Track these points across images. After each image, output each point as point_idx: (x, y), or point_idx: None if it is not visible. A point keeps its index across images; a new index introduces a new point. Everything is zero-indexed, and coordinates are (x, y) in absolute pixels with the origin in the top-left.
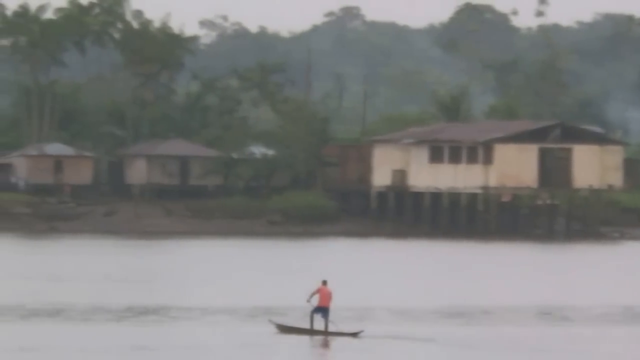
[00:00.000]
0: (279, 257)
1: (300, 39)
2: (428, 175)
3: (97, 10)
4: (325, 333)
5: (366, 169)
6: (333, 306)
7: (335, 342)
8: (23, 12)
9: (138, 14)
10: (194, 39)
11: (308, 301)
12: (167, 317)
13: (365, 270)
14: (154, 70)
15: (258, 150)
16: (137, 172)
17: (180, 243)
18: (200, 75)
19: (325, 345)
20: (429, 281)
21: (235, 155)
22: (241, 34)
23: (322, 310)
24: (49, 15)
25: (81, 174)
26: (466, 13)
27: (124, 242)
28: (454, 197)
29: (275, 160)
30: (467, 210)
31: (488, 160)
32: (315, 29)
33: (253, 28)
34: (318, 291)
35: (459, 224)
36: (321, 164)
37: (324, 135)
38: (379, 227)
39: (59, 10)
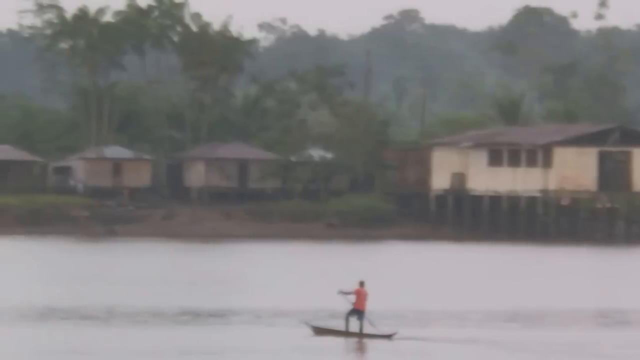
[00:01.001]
0: (337, 260)
1: (359, 42)
2: (487, 179)
3: (156, 13)
4: (360, 335)
5: (425, 172)
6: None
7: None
8: (82, 15)
9: (197, 16)
10: (253, 42)
11: (339, 293)
12: (224, 320)
13: (422, 274)
14: (212, 73)
15: (316, 153)
16: (196, 175)
17: (239, 246)
18: (259, 78)
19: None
20: (486, 284)
21: (293, 158)
22: (300, 37)
23: (358, 312)
24: (108, 18)
25: (140, 177)
26: (525, 16)
27: (182, 245)
28: (513, 200)
29: (334, 163)
30: (526, 213)
31: (547, 163)
32: (374, 32)
33: (312, 31)
34: (355, 292)
35: (517, 227)
36: (380, 167)
37: (383, 138)
38: (437, 231)
39: (118, 13)
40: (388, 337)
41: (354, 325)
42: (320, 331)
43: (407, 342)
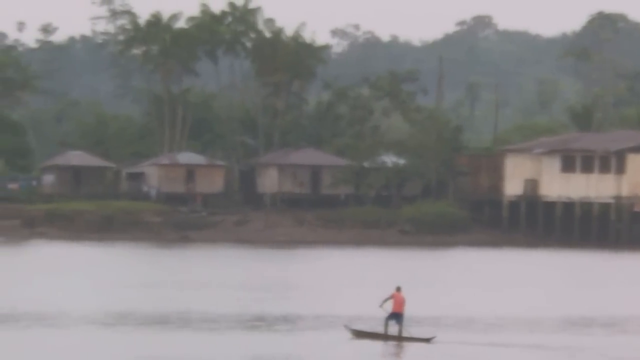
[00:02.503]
0: (410, 266)
1: (432, 48)
2: (560, 185)
3: (229, 19)
4: (399, 338)
5: (498, 179)
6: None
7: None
8: (155, 21)
9: (270, 22)
10: (326, 47)
11: (381, 306)
12: (295, 326)
13: (495, 280)
14: (285, 79)
15: (389, 159)
16: (269, 181)
17: (311, 252)
18: (332, 84)
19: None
20: (559, 291)
21: (366, 165)
22: (373, 43)
23: (396, 316)
24: (181, 24)
25: (213, 183)
26: (599, 22)
27: (255, 251)
28: (586, 206)
29: (407, 169)
30: (599, 220)
31: (620, 169)
32: (447, 37)
33: (385, 37)
34: (392, 297)
35: (591, 233)
36: (453, 173)
37: (456, 144)
38: (510, 237)
39: (191, 19)
40: (426, 340)
41: (392, 328)
42: (359, 334)
43: (447, 345)
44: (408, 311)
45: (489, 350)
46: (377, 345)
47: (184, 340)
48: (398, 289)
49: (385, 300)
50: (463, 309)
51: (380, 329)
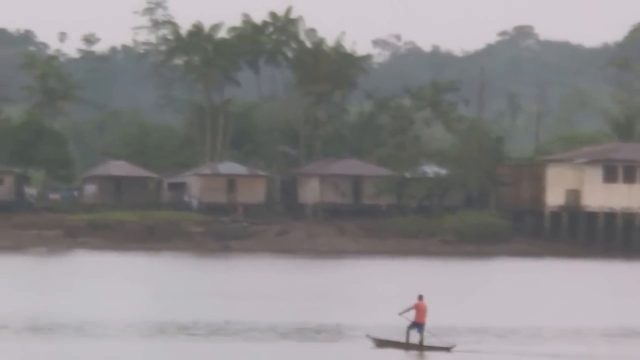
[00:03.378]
0: (452, 276)
1: (474, 58)
2: (602, 195)
3: (270, 29)
4: (420, 347)
5: (539, 189)
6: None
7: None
8: (197, 31)
9: (311, 32)
10: (367, 57)
11: (401, 314)
12: (336, 336)
13: (536, 290)
14: (326, 89)
15: (431, 169)
16: (310, 192)
17: (353, 262)
18: (373, 94)
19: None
20: (600, 301)
21: (408, 175)
22: (414, 53)
23: (418, 325)
24: (222, 34)
25: (254, 193)
26: None
27: (296, 261)
28: (628, 217)
29: (448, 180)
30: None
31: None
32: (489, 47)
33: (426, 47)
34: (414, 307)
35: (633, 244)
36: (494, 183)
37: (497, 155)
38: (552, 247)
39: (232, 29)
40: (447, 349)
41: (414, 337)
42: (381, 343)
43: (466, 355)
44: (450, 321)
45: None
46: (399, 354)
47: (225, 351)
48: (420, 298)
49: (408, 309)
50: (503, 319)
51: (405, 338)
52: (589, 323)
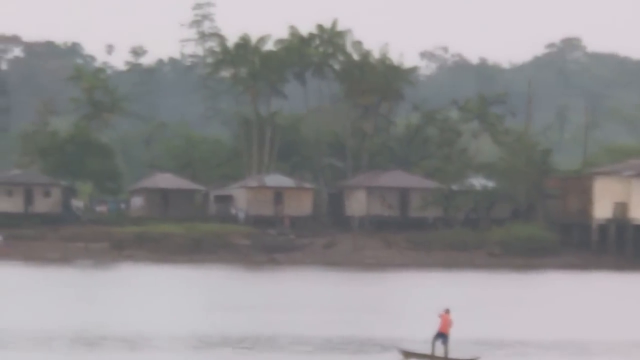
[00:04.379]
0: (499, 289)
1: (521, 70)
2: None
3: (317, 41)
4: (445, 359)
5: (587, 201)
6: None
7: None
8: (244, 44)
9: (357, 44)
10: (414, 70)
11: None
12: (386, 349)
13: (584, 303)
14: (373, 102)
15: (478, 181)
16: (357, 204)
17: (400, 275)
18: (421, 106)
19: None
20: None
21: (455, 187)
22: (461, 65)
23: (443, 336)
24: (269, 46)
25: (301, 206)
26: None
27: (343, 273)
28: None
29: (496, 192)
30: None
31: None
32: (536, 60)
33: (473, 59)
34: (440, 318)
35: None
36: (542, 196)
37: (545, 167)
38: (599, 260)
39: (279, 41)
40: None
41: (439, 348)
42: (408, 355)
43: None
44: (496, 333)
45: None
46: None
47: None
48: (447, 311)
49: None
50: (549, 332)
51: (431, 350)
52: (637, 337)
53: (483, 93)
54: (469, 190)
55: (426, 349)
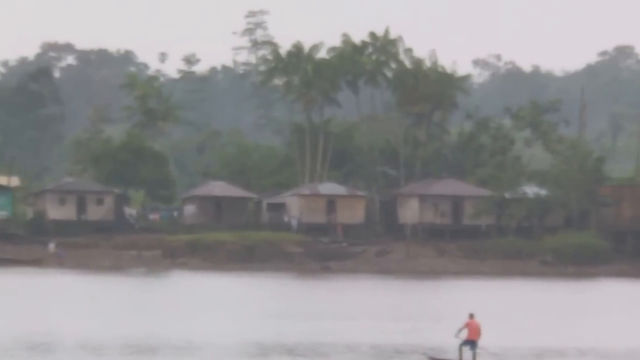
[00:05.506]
0: (551, 297)
1: (574, 78)
2: None
3: (370, 49)
4: None
5: None
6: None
7: None
8: (297, 52)
9: (409, 52)
10: (467, 78)
11: (456, 336)
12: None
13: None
14: (426, 110)
15: (531, 189)
16: (410, 212)
17: (453, 283)
18: (473, 114)
19: None
20: None
21: (508, 195)
22: (514, 73)
23: (471, 342)
24: (322, 54)
25: (354, 214)
26: None
27: (396, 282)
28: None
29: (549, 200)
30: None
31: None
32: (589, 68)
33: (526, 67)
34: (466, 325)
35: None
36: (595, 204)
37: (598, 175)
38: None
39: (332, 49)
40: None
41: (467, 355)
42: None
43: None
44: (552, 342)
45: None
46: None
47: None
48: (471, 316)
49: (460, 329)
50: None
51: (459, 356)
52: None
53: (536, 101)
54: (522, 198)
55: (455, 356)
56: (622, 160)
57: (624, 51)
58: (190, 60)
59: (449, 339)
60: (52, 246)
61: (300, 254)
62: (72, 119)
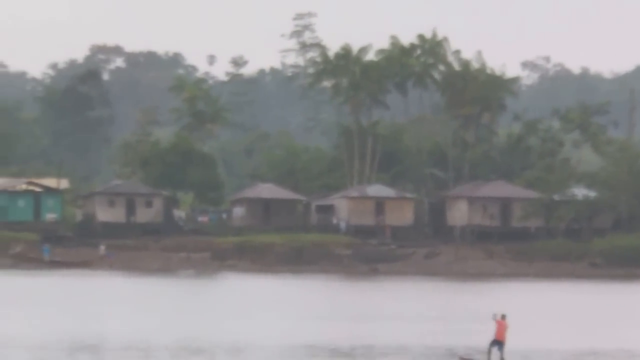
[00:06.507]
0: (599, 299)
1: (623, 80)
2: None
3: (418, 51)
4: None
5: None
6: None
7: None
8: (345, 54)
9: (458, 54)
10: (516, 80)
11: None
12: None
13: None
14: (475, 112)
15: (580, 191)
16: (459, 214)
17: (502, 285)
18: (522, 116)
19: None
20: None
21: (556, 197)
22: (563, 75)
23: (499, 343)
24: (370, 56)
25: (402, 216)
26: None
27: (445, 284)
28: None
29: (597, 202)
30: None
31: None
32: (638, 69)
33: (575, 69)
34: (496, 324)
35: None
36: None
37: None
38: None
39: (380, 51)
40: None
41: (495, 355)
42: None
43: None
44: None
45: None
46: None
47: None
48: (503, 317)
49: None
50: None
51: (487, 357)
52: None
53: (585, 103)
54: (570, 200)
55: (484, 356)
56: None
57: None
58: (238, 62)
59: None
60: (102, 248)
61: (349, 256)
62: (121, 122)
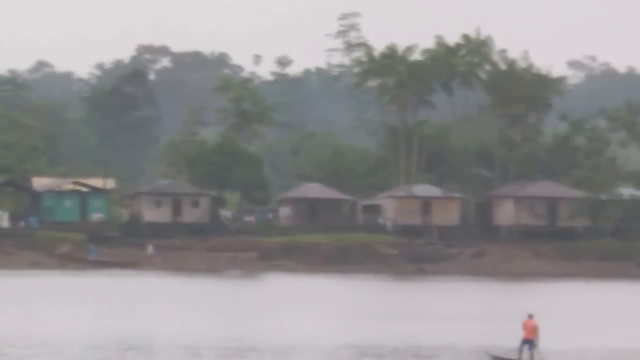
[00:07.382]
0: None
1: None
2: None
3: (463, 51)
4: None
5: None
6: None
7: None
8: (391, 54)
9: (503, 53)
10: (562, 79)
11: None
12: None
13: None
14: (521, 111)
15: (627, 191)
16: (505, 214)
17: (549, 285)
18: (568, 115)
19: None
20: None
21: (603, 197)
22: (609, 74)
23: (529, 342)
24: (416, 56)
25: (449, 215)
26: None
27: (492, 284)
28: None
29: None
30: None
31: None
32: None
33: (621, 68)
34: (523, 325)
35: None
36: None
37: None
38: None
39: (426, 51)
40: None
41: (526, 355)
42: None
43: None
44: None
45: None
46: None
47: None
48: (530, 317)
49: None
50: None
51: (518, 355)
52: None
53: (631, 102)
54: (617, 199)
55: (515, 355)
56: None
57: None
58: (283, 62)
59: (547, 340)
60: (150, 248)
61: (395, 256)
62: (167, 122)
